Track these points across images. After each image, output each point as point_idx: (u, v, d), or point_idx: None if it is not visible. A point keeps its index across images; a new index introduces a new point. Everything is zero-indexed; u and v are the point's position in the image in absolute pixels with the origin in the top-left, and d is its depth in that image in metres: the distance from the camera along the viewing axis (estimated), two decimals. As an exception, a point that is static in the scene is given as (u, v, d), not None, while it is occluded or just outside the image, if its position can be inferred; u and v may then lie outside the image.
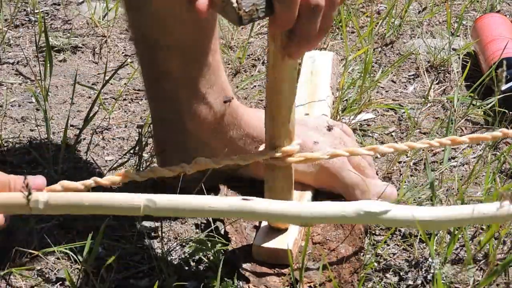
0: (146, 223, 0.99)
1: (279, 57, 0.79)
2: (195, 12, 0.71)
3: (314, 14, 0.74)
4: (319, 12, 0.74)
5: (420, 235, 0.94)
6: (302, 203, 0.83)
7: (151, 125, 1.06)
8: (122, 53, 1.41)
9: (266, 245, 0.92)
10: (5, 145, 1.15)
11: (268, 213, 0.80)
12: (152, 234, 0.98)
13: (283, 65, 0.80)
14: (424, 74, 1.34)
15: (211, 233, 0.95)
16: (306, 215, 0.80)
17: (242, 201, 0.79)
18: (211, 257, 0.92)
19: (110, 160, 1.13)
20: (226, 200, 0.80)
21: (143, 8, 0.93)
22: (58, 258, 0.93)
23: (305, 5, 0.73)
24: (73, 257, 0.91)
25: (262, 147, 0.90)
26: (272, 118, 0.85)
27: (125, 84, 1.31)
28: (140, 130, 1.08)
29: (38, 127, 1.18)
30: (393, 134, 1.20)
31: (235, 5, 0.70)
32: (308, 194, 1.01)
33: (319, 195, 1.03)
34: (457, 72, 1.34)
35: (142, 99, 1.28)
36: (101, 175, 1.08)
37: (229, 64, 1.35)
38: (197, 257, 0.94)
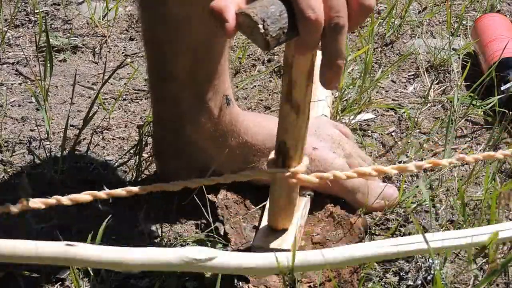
0: (147, 223, 0.99)
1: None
2: (216, 22, 0.69)
3: (335, 32, 0.71)
4: (340, 29, 0.71)
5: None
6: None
7: (152, 125, 1.06)
8: (122, 53, 1.41)
9: (265, 245, 0.92)
10: (5, 145, 1.15)
11: (92, 261, 0.74)
12: (152, 234, 0.98)
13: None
14: (424, 74, 1.34)
15: (211, 233, 0.95)
16: (127, 261, 0.74)
17: (66, 247, 0.73)
18: (211, 257, 0.92)
19: (110, 160, 1.13)
20: (51, 245, 0.73)
21: (156, 8, 0.93)
22: (58, 258, 0.93)
23: (327, 24, 0.71)
24: (73, 257, 0.91)
25: (272, 155, 0.89)
26: (285, 134, 0.84)
27: (125, 84, 1.31)
28: (140, 130, 1.08)
29: (38, 127, 1.18)
30: (393, 134, 1.20)
31: (262, 30, 0.68)
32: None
33: (318, 196, 1.03)
34: (457, 72, 1.34)
35: (142, 99, 1.28)
36: (101, 175, 1.08)
37: (229, 64, 1.35)
38: (197, 257, 0.94)
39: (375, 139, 1.19)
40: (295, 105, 0.81)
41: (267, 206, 0.94)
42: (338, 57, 0.72)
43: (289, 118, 0.82)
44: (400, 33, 1.46)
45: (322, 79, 0.74)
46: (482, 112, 1.23)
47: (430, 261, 0.91)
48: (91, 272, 0.88)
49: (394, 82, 1.34)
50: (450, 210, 1.02)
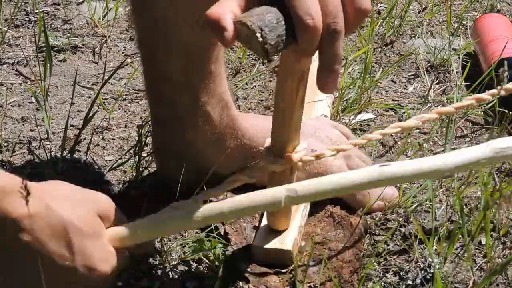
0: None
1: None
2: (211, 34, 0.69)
3: (332, 38, 0.71)
4: (337, 35, 0.71)
5: (420, 237, 0.94)
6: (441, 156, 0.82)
7: (151, 125, 1.06)
8: (122, 53, 1.41)
9: (266, 245, 0.92)
10: (5, 145, 1.15)
11: (406, 175, 0.80)
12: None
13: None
14: (424, 74, 1.34)
15: (211, 233, 0.95)
16: (441, 168, 0.80)
17: (381, 168, 0.79)
18: (211, 257, 0.92)
19: (110, 160, 1.13)
20: (362, 171, 0.80)
21: (147, 12, 0.93)
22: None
23: (324, 29, 0.71)
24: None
25: (268, 142, 0.88)
26: (281, 125, 0.84)
27: (125, 84, 1.31)
28: (140, 130, 1.08)
29: (38, 127, 1.18)
30: (393, 134, 1.20)
31: (260, 39, 0.68)
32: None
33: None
34: (457, 72, 1.34)
35: (142, 99, 1.28)
36: (101, 175, 1.08)
37: (229, 64, 1.35)
38: (197, 257, 0.94)
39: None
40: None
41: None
42: (335, 62, 0.72)
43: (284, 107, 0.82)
44: (400, 33, 1.46)
45: (319, 83, 0.74)
46: (482, 112, 1.23)
47: (430, 260, 0.91)
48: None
49: (394, 82, 1.34)
50: (451, 210, 1.02)
